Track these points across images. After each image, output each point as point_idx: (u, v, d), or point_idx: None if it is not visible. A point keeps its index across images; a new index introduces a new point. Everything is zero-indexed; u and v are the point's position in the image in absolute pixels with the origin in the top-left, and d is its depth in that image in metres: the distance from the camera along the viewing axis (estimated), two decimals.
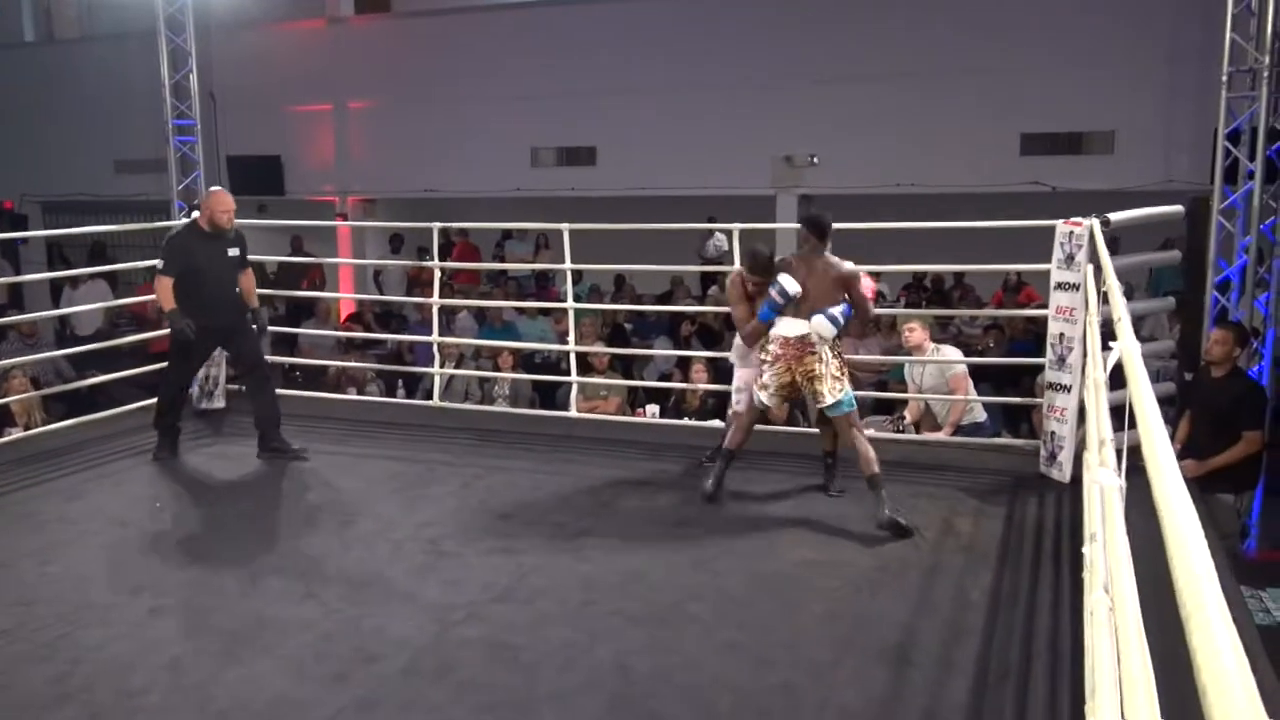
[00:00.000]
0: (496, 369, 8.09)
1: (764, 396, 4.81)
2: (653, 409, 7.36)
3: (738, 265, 5.89)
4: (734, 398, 5.27)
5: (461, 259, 12.25)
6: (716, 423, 6.32)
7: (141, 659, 3.35)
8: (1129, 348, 2.11)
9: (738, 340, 5.14)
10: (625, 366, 8.70)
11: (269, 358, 9.47)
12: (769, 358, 4.78)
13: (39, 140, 14.49)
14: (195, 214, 5.71)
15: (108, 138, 14.02)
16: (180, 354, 5.68)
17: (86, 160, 14.23)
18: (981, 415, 6.23)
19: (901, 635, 3.48)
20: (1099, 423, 2.45)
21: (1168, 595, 1.10)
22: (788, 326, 4.71)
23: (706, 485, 4.86)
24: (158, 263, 5.49)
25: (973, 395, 6.17)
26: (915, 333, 6.23)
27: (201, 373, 6.78)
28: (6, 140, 14.56)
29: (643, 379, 8.49)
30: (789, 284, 4.69)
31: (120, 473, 5.54)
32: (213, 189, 5.75)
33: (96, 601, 3.80)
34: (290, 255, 12.64)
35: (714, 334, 9.57)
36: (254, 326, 5.77)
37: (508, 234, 13.45)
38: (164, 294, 5.43)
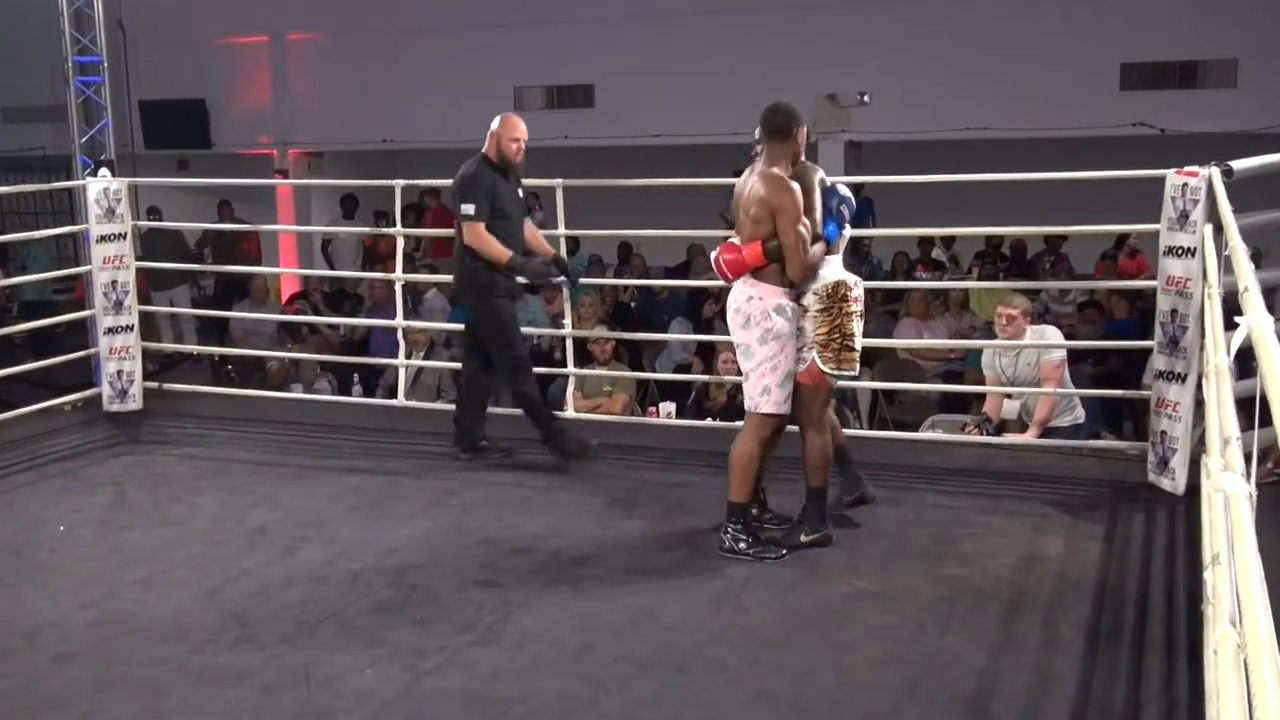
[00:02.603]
0: None
1: (856, 365, 4.55)
2: (668, 407, 7.36)
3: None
4: (774, 392, 4.47)
5: (437, 225, 12.24)
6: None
7: (44, 718, 3.36)
8: (1260, 325, 2.10)
9: (748, 296, 4.45)
10: (633, 356, 8.70)
11: (194, 348, 9.57)
12: (856, 305, 4.52)
13: None
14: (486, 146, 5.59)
15: None
16: (510, 323, 5.61)
17: None
18: (1082, 414, 6.19)
19: (977, 682, 3.47)
20: (1222, 418, 2.44)
21: None
22: (839, 267, 4.61)
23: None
24: (466, 207, 5.42)
25: (1076, 402, 6.10)
26: (1016, 321, 5.94)
27: (114, 367, 6.82)
28: None
29: (655, 371, 8.49)
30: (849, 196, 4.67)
31: (13, 490, 5.56)
32: (503, 114, 5.65)
33: None
34: (218, 222, 12.67)
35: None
36: (563, 279, 5.82)
37: None
38: (489, 242, 5.41)
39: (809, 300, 4.49)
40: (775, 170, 4.38)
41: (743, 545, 4.43)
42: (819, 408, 4.59)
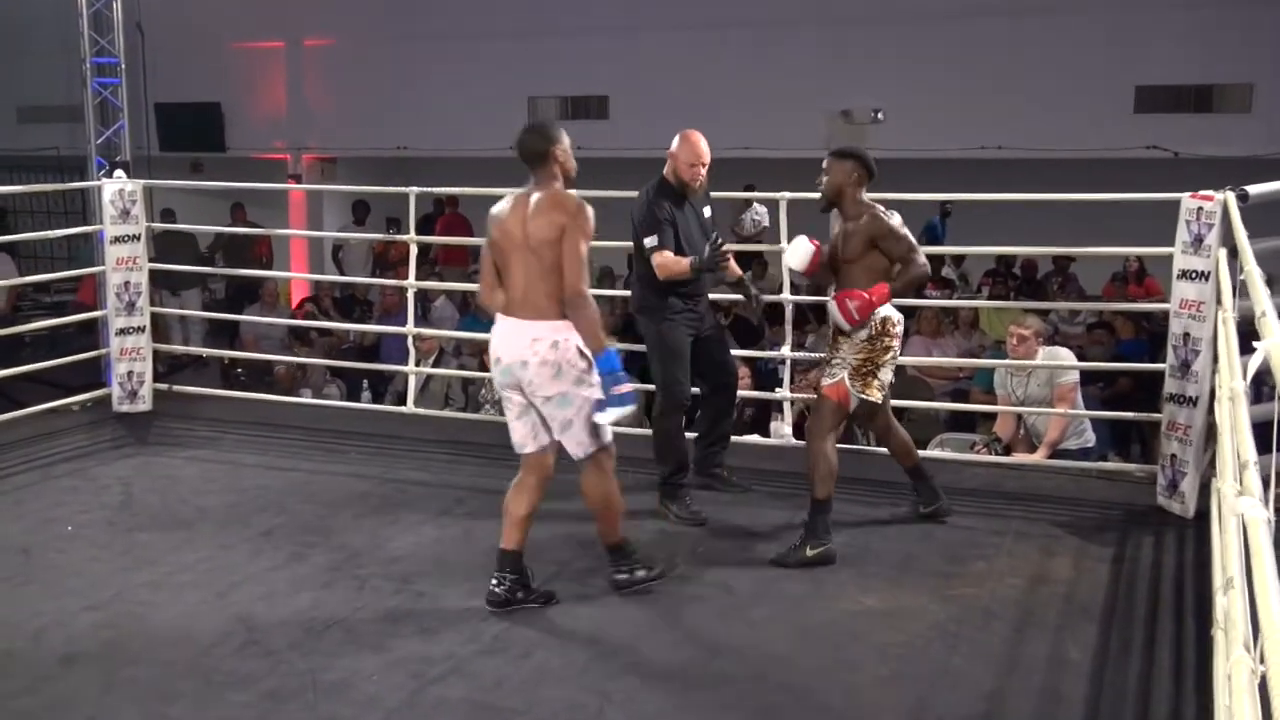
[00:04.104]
0: (483, 368, 8.10)
1: (879, 396, 4.71)
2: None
3: (786, 241, 5.85)
4: (602, 424, 4.11)
5: (449, 232, 12.27)
6: (755, 438, 6.32)
7: (50, 719, 3.36)
8: (1278, 350, 2.09)
9: (551, 343, 4.00)
10: (642, 369, 8.70)
11: (202, 350, 9.58)
12: (895, 342, 4.72)
13: None
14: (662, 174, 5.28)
15: (9, 80, 14.12)
16: (676, 345, 5.18)
17: None
18: (1092, 439, 6.17)
19: (984, 703, 3.47)
20: (1238, 442, 2.43)
21: None
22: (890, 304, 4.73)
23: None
24: (649, 239, 5.08)
25: (1086, 424, 6.09)
26: (1028, 342, 5.96)
27: (124, 368, 6.83)
28: None
29: None
30: None
31: (21, 489, 5.57)
32: (684, 132, 5.26)
33: None
34: (231, 225, 12.70)
35: (752, 328, 9.56)
36: (750, 298, 5.45)
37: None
38: (672, 264, 5.04)
39: (858, 334, 4.62)
40: (558, 187, 4.04)
41: (641, 573, 4.25)
42: (832, 422, 4.67)
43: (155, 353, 7.10)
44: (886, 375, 4.72)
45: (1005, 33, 10.98)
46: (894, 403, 7.76)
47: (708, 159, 5.17)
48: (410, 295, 6.98)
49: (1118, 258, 10.17)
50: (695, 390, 5.41)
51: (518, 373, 3.99)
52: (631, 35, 12.16)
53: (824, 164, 4.78)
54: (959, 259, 11.77)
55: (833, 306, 4.66)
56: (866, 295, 4.57)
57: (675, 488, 5.21)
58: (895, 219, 4.69)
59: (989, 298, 10.40)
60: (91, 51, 8.48)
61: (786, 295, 6.17)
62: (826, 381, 4.69)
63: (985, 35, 11.05)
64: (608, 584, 4.28)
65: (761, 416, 6.59)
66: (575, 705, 3.44)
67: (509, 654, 3.78)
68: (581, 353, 3.95)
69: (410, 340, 7.01)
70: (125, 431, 6.55)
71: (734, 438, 5.86)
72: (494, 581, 4.10)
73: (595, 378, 3.95)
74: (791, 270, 5.07)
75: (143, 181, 7.22)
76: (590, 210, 3.97)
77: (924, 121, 11.20)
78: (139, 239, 6.88)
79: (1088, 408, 6.41)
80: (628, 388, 3.93)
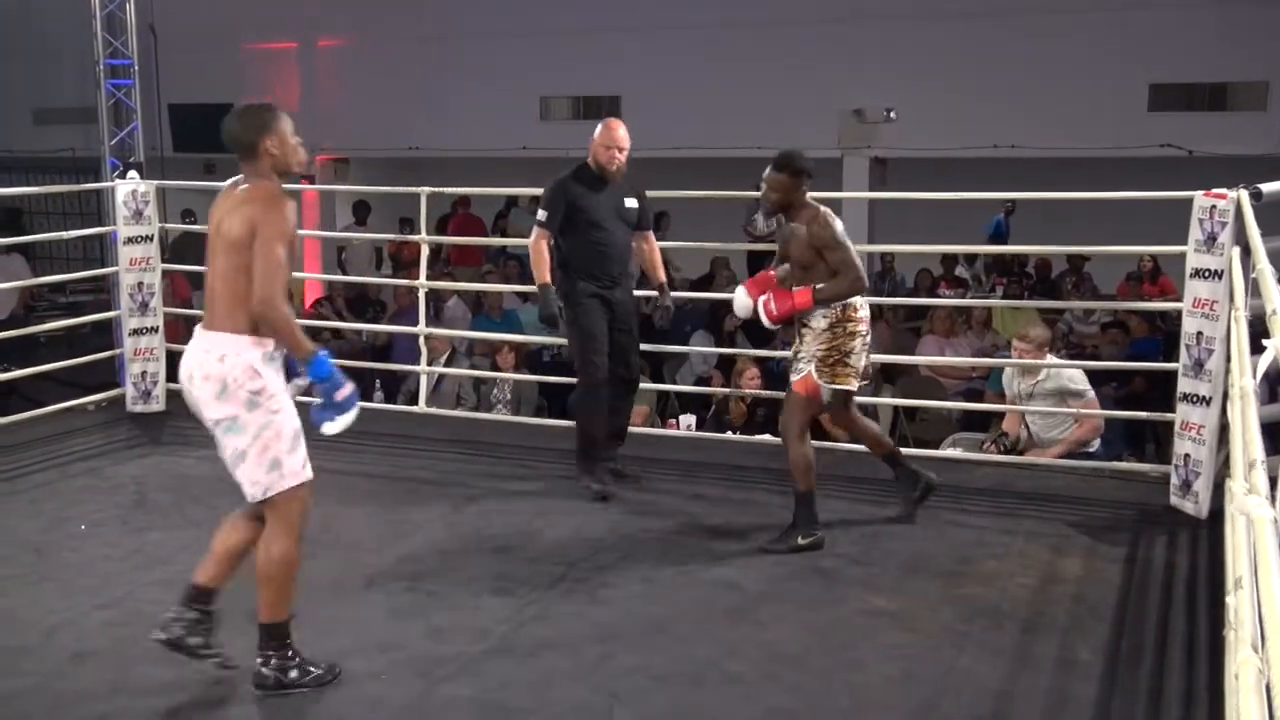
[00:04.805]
0: (495, 368, 8.12)
1: (854, 384, 4.79)
2: (688, 420, 7.36)
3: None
4: (287, 461, 3.51)
5: (462, 233, 12.28)
6: (767, 437, 6.31)
7: (61, 715, 3.38)
8: None
9: (219, 356, 3.41)
10: (654, 367, 8.70)
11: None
12: (860, 326, 4.73)
13: None
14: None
15: (24, 81, 14.20)
16: (587, 328, 5.32)
17: None
18: (1098, 443, 6.14)
19: (993, 704, 3.46)
20: (1247, 441, 2.42)
21: None
22: None
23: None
24: (540, 214, 5.27)
25: (1100, 425, 6.06)
26: (1030, 353, 5.96)
27: (138, 368, 6.86)
28: None
29: (675, 383, 8.49)
30: None
31: (35, 488, 5.60)
32: (606, 119, 5.45)
33: (5, 644, 3.83)
34: None
35: (764, 328, 9.55)
36: (662, 308, 5.62)
37: (511, 202, 13.49)
38: (537, 256, 5.24)
39: (818, 323, 4.66)
40: (266, 184, 3.49)
41: (294, 674, 3.48)
42: (804, 418, 4.75)
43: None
44: (859, 362, 4.74)
45: (1018, 31, 10.96)
46: (905, 402, 7.84)
47: (625, 144, 5.31)
48: (422, 295, 7.00)
49: (1132, 257, 10.13)
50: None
51: (188, 391, 3.45)
52: (643, 35, 12.16)
53: (765, 174, 4.76)
54: (971, 258, 11.76)
55: (742, 295, 4.80)
56: (792, 298, 4.67)
57: (591, 461, 5.42)
58: (837, 226, 4.69)
59: (1003, 297, 10.38)
60: (105, 53, 8.52)
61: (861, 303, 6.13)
62: (794, 377, 4.73)
63: (998, 34, 11.02)
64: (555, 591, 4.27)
65: (772, 416, 6.59)
66: (584, 705, 3.44)
67: (518, 654, 3.78)
68: (256, 371, 3.36)
69: (422, 340, 7.03)
70: (139, 431, 6.58)
71: (746, 437, 5.88)
72: (170, 614, 3.48)
73: (278, 403, 3.39)
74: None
75: (156, 182, 7.24)
76: (291, 207, 3.45)
77: (937, 120, 11.18)
78: (152, 239, 6.91)
79: (1101, 408, 6.38)
80: (349, 389, 3.49)
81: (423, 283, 7.07)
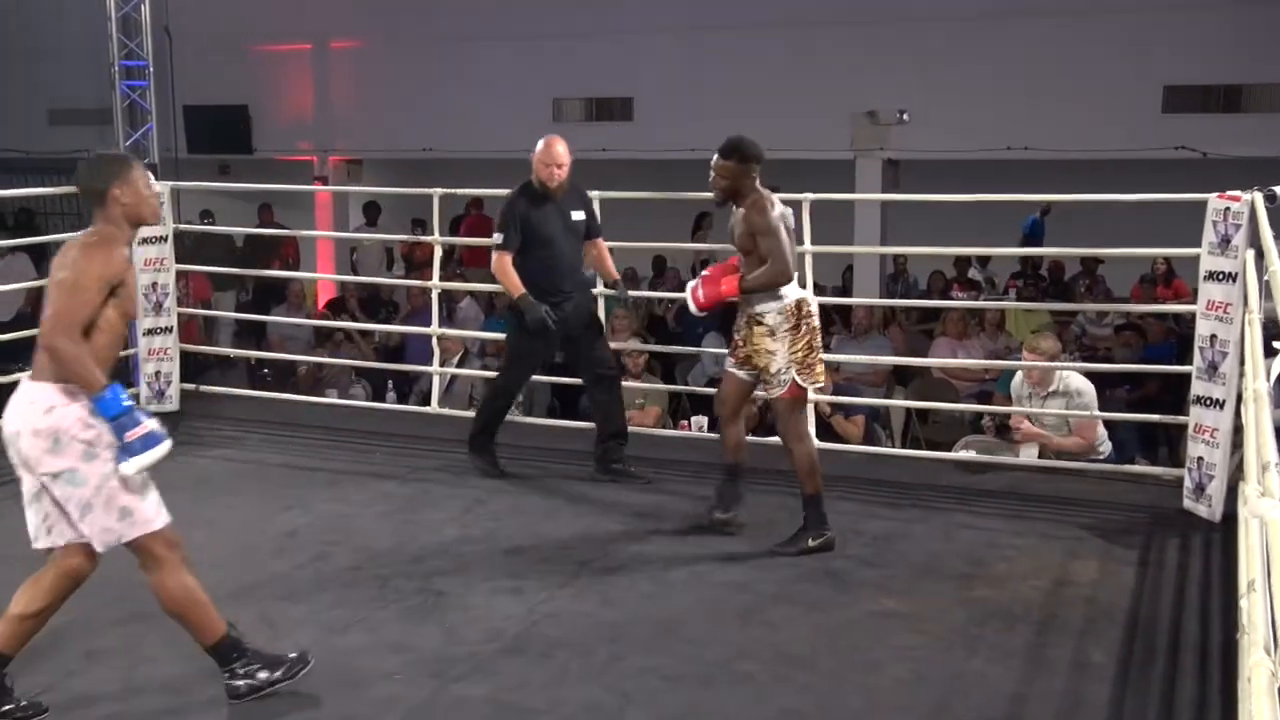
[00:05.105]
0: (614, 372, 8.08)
1: (823, 378, 4.82)
2: (700, 421, 7.36)
3: (811, 243, 5.87)
4: (140, 508, 3.40)
5: (475, 234, 12.29)
6: (778, 439, 6.29)
7: (71, 715, 3.40)
8: None
9: (46, 408, 3.29)
10: (667, 368, 8.71)
11: (231, 351, 9.66)
12: (814, 320, 4.74)
13: None
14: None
15: (39, 82, 14.26)
16: (523, 355, 5.67)
17: (12, 109, 14.49)
18: (1108, 448, 6.08)
19: (1006, 706, 3.45)
20: (1261, 444, 2.42)
21: None
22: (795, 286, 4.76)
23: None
24: (496, 235, 5.49)
25: (1103, 435, 6.02)
26: (1039, 369, 5.86)
27: (152, 368, 6.89)
28: None
29: (688, 384, 8.49)
30: None
31: None
32: (546, 137, 5.58)
33: None
34: (258, 226, 12.79)
35: None
36: (623, 302, 5.79)
37: None
38: (504, 276, 5.44)
39: (774, 320, 4.63)
40: (102, 229, 3.33)
41: (264, 675, 3.45)
42: (799, 420, 4.77)
43: (186, 354, 7.14)
44: (819, 355, 4.75)
45: (1032, 33, 10.93)
46: (918, 404, 7.83)
47: (565, 161, 5.46)
48: (434, 296, 7.02)
49: (1146, 259, 10.10)
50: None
51: (15, 445, 3.29)
52: (656, 37, 12.17)
53: (713, 161, 4.76)
54: (984, 260, 11.74)
55: (689, 286, 4.76)
56: (720, 287, 4.64)
57: (485, 442, 5.74)
58: (774, 213, 4.63)
59: (1017, 299, 10.35)
60: (120, 55, 8.57)
61: (810, 296, 6.14)
62: (778, 390, 4.67)
63: (1012, 36, 10.99)
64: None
65: None
66: (596, 705, 3.44)
67: (530, 654, 3.79)
68: (87, 422, 3.24)
69: (435, 340, 7.04)
70: None
71: (758, 439, 5.86)
72: (232, 678, 3.45)
73: (110, 449, 3.26)
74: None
75: (170, 183, 7.28)
76: (121, 252, 3.32)
77: (950, 122, 11.15)
78: (166, 240, 6.94)
79: (1115, 410, 6.36)
80: (145, 429, 3.28)
81: (436, 283, 7.09)
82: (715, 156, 4.74)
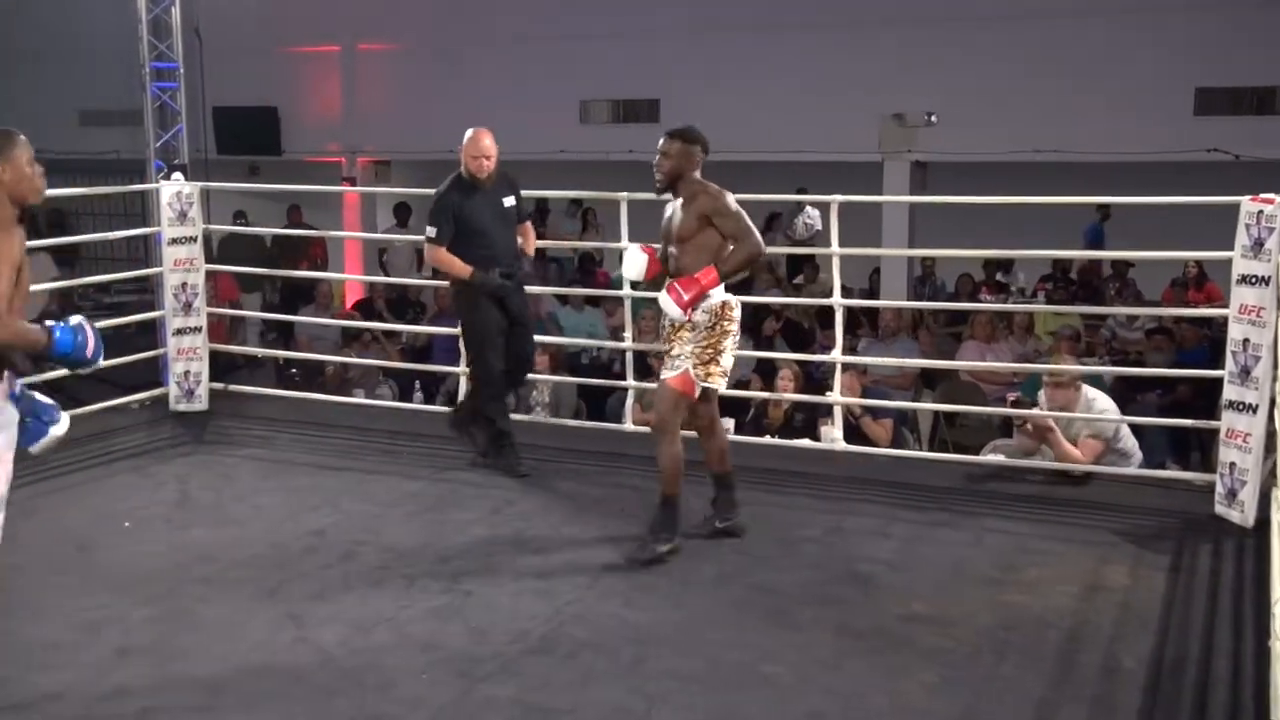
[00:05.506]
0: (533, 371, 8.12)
1: (722, 383, 4.73)
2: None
3: (838, 245, 5.85)
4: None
5: None
6: (807, 442, 6.30)
7: (103, 710, 3.42)
8: None
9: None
10: None
11: (258, 350, 9.72)
12: (733, 325, 4.68)
13: None
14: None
15: (70, 84, 14.38)
16: (483, 334, 5.74)
17: (44, 111, 14.59)
18: (1139, 459, 5.95)
19: (1034, 712, 3.43)
20: None
21: None
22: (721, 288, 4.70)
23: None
24: (429, 230, 5.64)
25: (1133, 445, 5.94)
26: (1065, 391, 5.67)
27: (181, 367, 6.94)
28: None
29: None
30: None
31: (80, 485, 5.67)
32: (473, 129, 5.72)
33: (51, 639, 3.89)
34: (287, 227, 12.86)
35: (803, 332, 9.53)
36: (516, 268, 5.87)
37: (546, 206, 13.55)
38: (446, 263, 5.62)
39: (699, 318, 4.59)
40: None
41: None
42: (675, 415, 4.65)
43: (215, 354, 7.19)
44: (728, 361, 4.67)
45: (1062, 34, 10.86)
46: (946, 407, 7.80)
47: (491, 153, 5.60)
48: None
49: (1177, 262, 10.02)
50: None
51: None
52: (683, 39, 12.17)
53: (661, 144, 4.74)
54: (1009, 263, 11.69)
55: (664, 297, 4.59)
56: (696, 279, 4.53)
57: (500, 440, 5.81)
58: (729, 196, 4.63)
59: (1046, 301, 10.30)
60: (151, 56, 8.60)
61: (837, 299, 6.14)
62: (669, 373, 4.62)
63: (1041, 37, 10.93)
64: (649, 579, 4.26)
65: (812, 420, 6.56)
66: (621, 707, 3.45)
67: (556, 654, 3.79)
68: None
69: (461, 341, 7.05)
70: (182, 430, 6.65)
71: (784, 441, 5.85)
72: None
73: (9, 435, 3.27)
74: (631, 280, 5.01)
75: (200, 184, 7.33)
76: (17, 232, 3.29)
77: (979, 124, 11.10)
78: (196, 240, 6.98)
79: (1147, 415, 6.29)
80: (94, 342, 3.34)
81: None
82: (662, 139, 4.75)
